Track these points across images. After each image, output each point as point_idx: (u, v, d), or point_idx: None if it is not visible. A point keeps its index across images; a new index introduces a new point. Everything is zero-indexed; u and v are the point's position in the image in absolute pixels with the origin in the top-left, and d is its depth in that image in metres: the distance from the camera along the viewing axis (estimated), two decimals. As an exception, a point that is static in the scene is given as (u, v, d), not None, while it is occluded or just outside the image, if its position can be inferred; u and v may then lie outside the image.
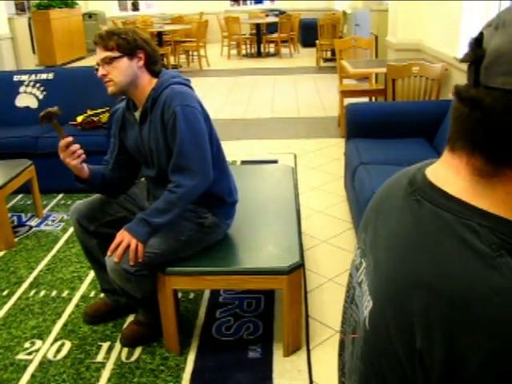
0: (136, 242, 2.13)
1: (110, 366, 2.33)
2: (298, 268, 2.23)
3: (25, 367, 2.35)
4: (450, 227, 0.67)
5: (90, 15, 13.78)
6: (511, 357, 0.57)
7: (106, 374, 2.28)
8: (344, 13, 9.07)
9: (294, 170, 3.34)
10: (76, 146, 2.18)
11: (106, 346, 2.46)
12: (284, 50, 12.12)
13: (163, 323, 2.37)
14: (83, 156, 2.21)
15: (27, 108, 4.67)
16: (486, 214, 0.67)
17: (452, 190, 0.70)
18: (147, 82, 2.23)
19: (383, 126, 3.77)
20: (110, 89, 2.21)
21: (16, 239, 3.55)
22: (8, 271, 3.17)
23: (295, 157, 5.01)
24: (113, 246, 2.15)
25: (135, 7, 16.90)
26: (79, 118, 4.33)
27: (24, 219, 3.88)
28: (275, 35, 11.84)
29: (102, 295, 2.76)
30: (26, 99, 4.68)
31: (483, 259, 0.62)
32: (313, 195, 4.11)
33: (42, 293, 2.93)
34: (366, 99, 5.65)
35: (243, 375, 2.25)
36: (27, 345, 2.50)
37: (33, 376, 2.29)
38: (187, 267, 2.25)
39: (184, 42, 11.22)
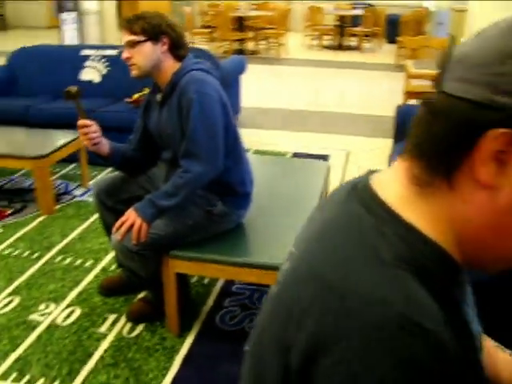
0: (140, 221, 2.18)
1: (110, 337, 2.41)
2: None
3: (34, 327, 2.48)
4: (364, 230, 0.66)
5: (178, -5, 14.04)
6: (366, 361, 0.55)
7: (104, 344, 2.36)
8: (428, 10, 8.78)
9: (329, 168, 3.29)
10: (88, 130, 2.24)
11: (112, 318, 2.55)
12: (367, 45, 11.90)
13: (165, 304, 2.42)
14: (96, 141, 2.27)
15: (90, 82, 4.86)
16: (406, 226, 0.65)
17: (386, 194, 0.68)
18: (170, 67, 2.26)
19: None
20: (134, 72, 2.26)
21: (57, 206, 3.72)
22: (43, 235, 3.33)
23: (347, 154, 4.93)
24: (118, 223, 2.21)
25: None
26: (135, 96, 4.45)
27: (70, 188, 4.05)
28: (358, 29, 11.63)
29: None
30: (90, 73, 4.87)
31: (383, 267, 0.61)
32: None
33: (68, 260, 3.06)
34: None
35: (233, 367, 2.25)
36: (42, 307, 2.63)
37: (39, 337, 2.41)
38: (190, 252, 2.28)
39: (265, 28, 11.23)
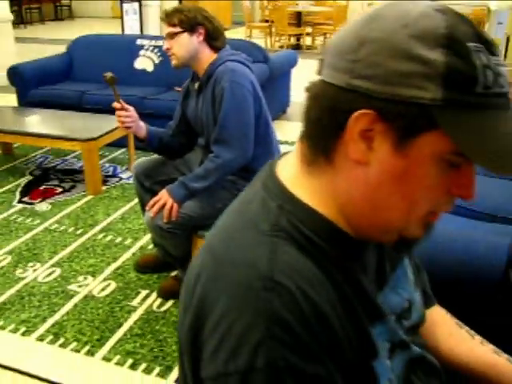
0: (172, 201, 2.30)
1: (140, 311, 2.55)
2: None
3: (71, 296, 2.65)
4: (252, 204, 0.74)
5: (240, -11, 14.19)
6: (235, 317, 0.63)
7: (134, 316, 2.51)
8: (488, 10, 8.60)
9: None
10: (120, 113, 2.37)
11: (144, 293, 2.69)
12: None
13: (193, 282, 2.54)
14: (127, 124, 2.39)
15: (143, 71, 5.05)
16: (292, 199, 0.72)
17: (283, 173, 0.76)
18: (207, 57, 2.37)
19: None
20: (173, 62, 2.40)
21: (104, 187, 3.92)
22: (88, 214, 3.53)
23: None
24: (151, 202, 2.35)
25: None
26: (185, 85, 4.60)
27: (118, 171, 4.25)
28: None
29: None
30: (144, 62, 5.06)
31: (257, 235, 0.69)
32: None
33: (109, 237, 3.23)
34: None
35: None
36: (80, 279, 2.81)
37: (75, 305, 2.58)
38: (217, 234, 2.39)
39: (323, 24, 11.24)
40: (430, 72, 0.62)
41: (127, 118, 2.38)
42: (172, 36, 2.33)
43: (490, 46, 0.65)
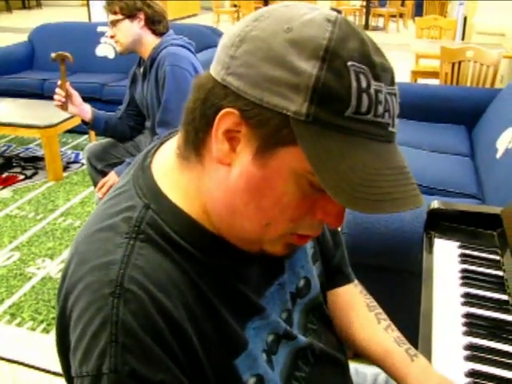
0: (120, 182, 2.39)
1: (96, 289, 2.64)
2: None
3: (30, 278, 2.73)
4: (122, 196, 0.71)
5: (209, -25, 14.16)
6: (86, 320, 0.63)
7: (90, 295, 2.60)
8: (451, -10, 8.74)
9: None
10: (57, 91, 2.46)
11: (100, 273, 2.78)
12: (394, 25, 11.85)
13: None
14: (58, 103, 2.49)
15: (105, 58, 5.08)
16: (160, 198, 0.69)
17: (158, 164, 0.73)
18: (150, 42, 2.45)
19: (423, 109, 3.74)
20: (118, 48, 2.48)
21: (66, 173, 3.98)
22: (48, 199, 3.59)
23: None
24: (100, 183, 2.44)
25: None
26: (145, 71, 4.66)
27: (80, 157, 4.30)
28: (384, 9, 11.59)
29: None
30: (105, 49, 5.09)
31: (116, 237, 0.66)
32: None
33: (68, 221, 3.31)
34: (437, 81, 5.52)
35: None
36: (39, 261, 2.88)
37: (32, 287, 2.66)
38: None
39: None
40: (299, 83, 0.57)
41: (59, 97, 2.46)
42: (114, 23, 2.40)
43: (376, 71, 0.60)
